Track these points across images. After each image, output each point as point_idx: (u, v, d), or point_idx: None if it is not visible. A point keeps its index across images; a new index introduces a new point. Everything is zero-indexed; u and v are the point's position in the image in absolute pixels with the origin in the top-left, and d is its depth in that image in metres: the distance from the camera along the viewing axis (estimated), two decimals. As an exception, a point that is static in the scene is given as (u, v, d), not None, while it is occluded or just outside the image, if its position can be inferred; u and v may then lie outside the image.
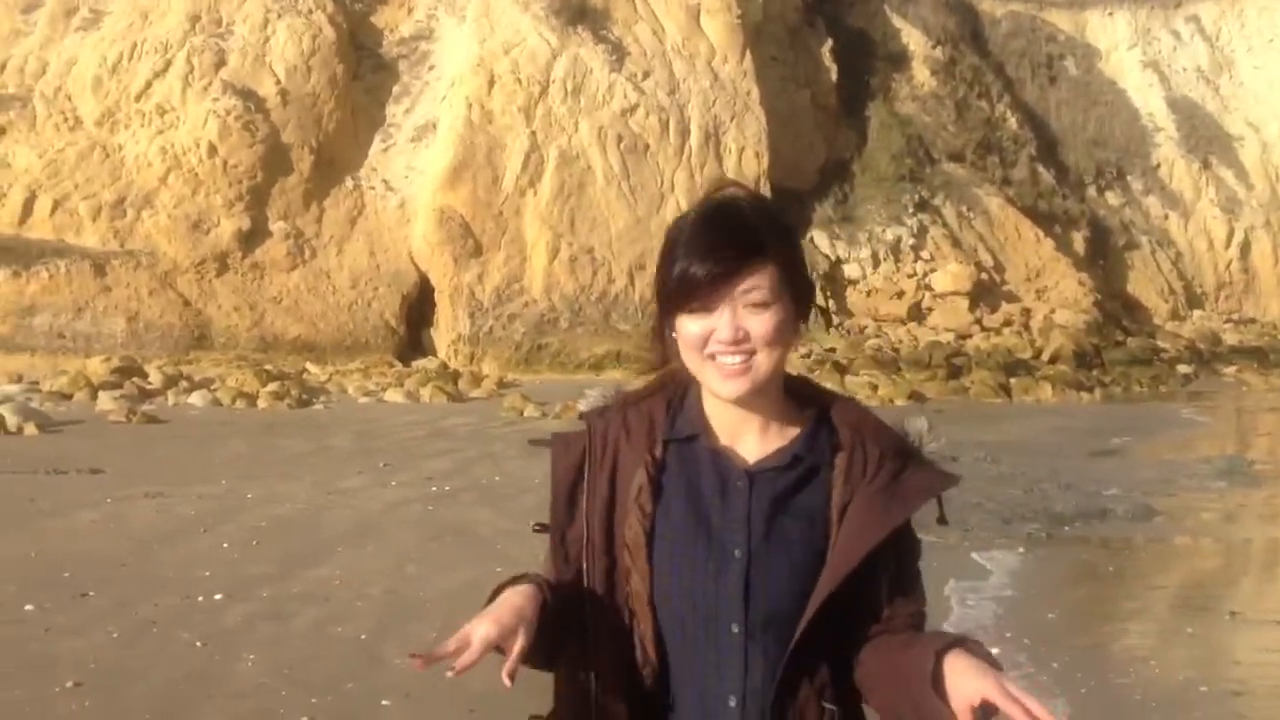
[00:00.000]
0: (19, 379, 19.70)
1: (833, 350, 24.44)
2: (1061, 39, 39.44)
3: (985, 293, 29.28)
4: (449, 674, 1.48)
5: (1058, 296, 29.95)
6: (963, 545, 8.58)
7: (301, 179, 25.54)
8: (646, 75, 27.30)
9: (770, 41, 30.28)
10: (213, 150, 24.81)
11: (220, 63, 25.79)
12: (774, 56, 30.31)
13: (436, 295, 25.36)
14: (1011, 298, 29.79)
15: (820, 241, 28.77)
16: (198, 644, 5.81)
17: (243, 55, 26.00)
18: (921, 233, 29.97)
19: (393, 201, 26.01)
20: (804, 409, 1.65)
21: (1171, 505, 11.09)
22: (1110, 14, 40.41)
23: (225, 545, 8.09)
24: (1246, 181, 38.53)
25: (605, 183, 26.08)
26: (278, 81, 25.86)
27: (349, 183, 26.08)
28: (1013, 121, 35.26)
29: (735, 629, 1.57)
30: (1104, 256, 34.45)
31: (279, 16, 26.44)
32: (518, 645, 1.50)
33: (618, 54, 27.26)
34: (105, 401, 16.72)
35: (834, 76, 31.46)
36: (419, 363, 23.77)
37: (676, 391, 1.67)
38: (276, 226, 25.07)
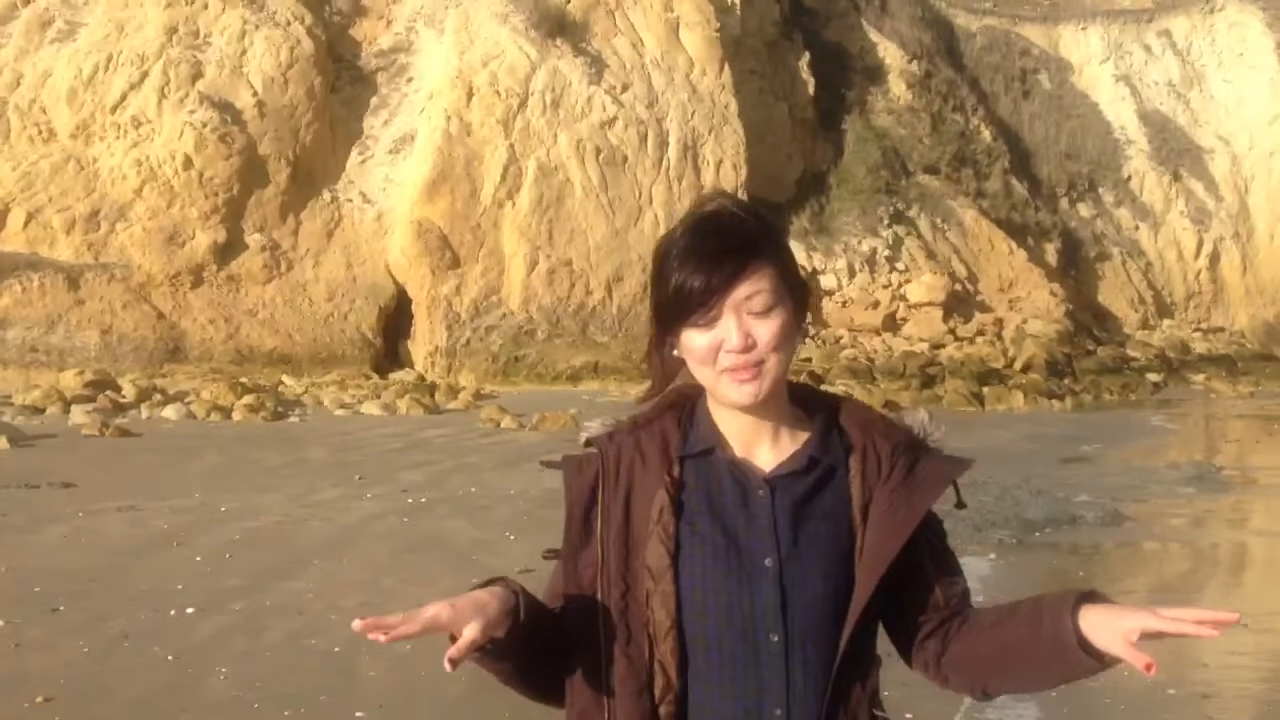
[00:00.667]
0: (-8, 393, 19.54)
1: (809, 360, 24.56)
2: (1035, 53, 39.86)
3: (959, 303, 29.53)
4: (381, 638, 1.46)
5: (1030, 307, 30.25)
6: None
7: (278, 191, 25.47)
8: (625, 88, 27.40)
9: (748, 55, 30.46)
10: (188, 163, 24.71)
11: (197, 75, 25.70)
12: (752, 70, 30.49)
13: (414, 307, 25.32)
14: (985, 308, 30.07)
15: (797, 253, 28.81)
16: (170, 658, 5.80)
17: (219, 67, 25.93)
18: (897, 244, 30.20)
19: (370, 214, 25.98)
20: (811, 413, 1.65)
21: (1141, 511, 11.21)
22: (1083, 28, 40.89)
23: (198, 559, 8.06)
24: (1216, 193, 39.05)
25: (584, 195, 26.15)
26: (255, 93, 25.80)
27: (326, 195, 26.03)
28: (987, 134, 35.60)
29: (775, 639, 1.56)
30: (1075, 267, 34.81)
31: (257, 28, 26.39)
32: (467, 635, 1.47)
33: (597, 67, 27.36)
34: (78, 415, 16.60)
35: (811, 90, 31.68)
36: (395, 375, 23.72)
37: (684, 408, 1.65)
38: (253, 239, 24.99)
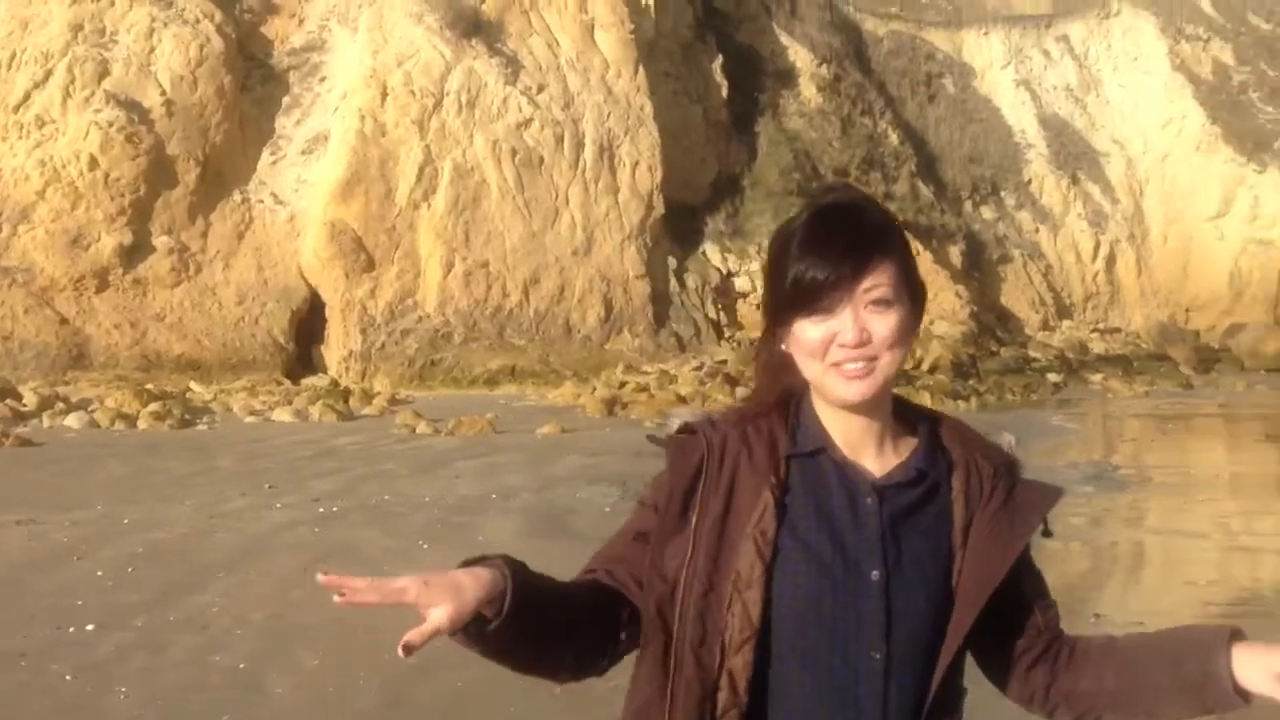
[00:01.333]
0: (-118, 401, 18.82)
1: (724, 362, 24.84)
2: (940, 57, 40.83)
3: (870, 305, 30.09)
4: (338, 599, 1.35)
5: (936, 308, 30.98)
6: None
7: (187, 192, 24.96)
8: (541, 89, 27.41)
9: (663, 57, 30.68)
10: (94, 163, 24.08)
11: (103, 73, 25.05)
12: (667, 72, 30.72)
13: (327, 311, 25.02)
14: (894, 309, 30.68)
15: (712, 255, 29.26)
16: (68, 677, 5.72)
17: (126, 65, 25.30)
18: (810, 246, 30.65)
19: (282, 215, 25.60)
20: (912, 424, 1.59)
21: (1040, 511, 11.58)
22: (985, 33, 41.97)
23: (100, 573, 7.92)
24: (1112, 196, 40.44)
25: (500, 196, 26.09)
26: (163, 92, 25.24)
27: (236, 196, 25.57)
28: (894, 138, 36.37)
29: (876, 655, 1.47)
30: (979, 269, 35.79)
31: (165, 26, 25.81)
32: (432, 620, 1.36)
33: (512, 67, 27.32)
34: (-24, 424, 16.12)
35: (725, 92, 32.04)
36: (308, 380, 23.40)
37: (790, 406, 1.57)
38: (160, 241, 24.45)
